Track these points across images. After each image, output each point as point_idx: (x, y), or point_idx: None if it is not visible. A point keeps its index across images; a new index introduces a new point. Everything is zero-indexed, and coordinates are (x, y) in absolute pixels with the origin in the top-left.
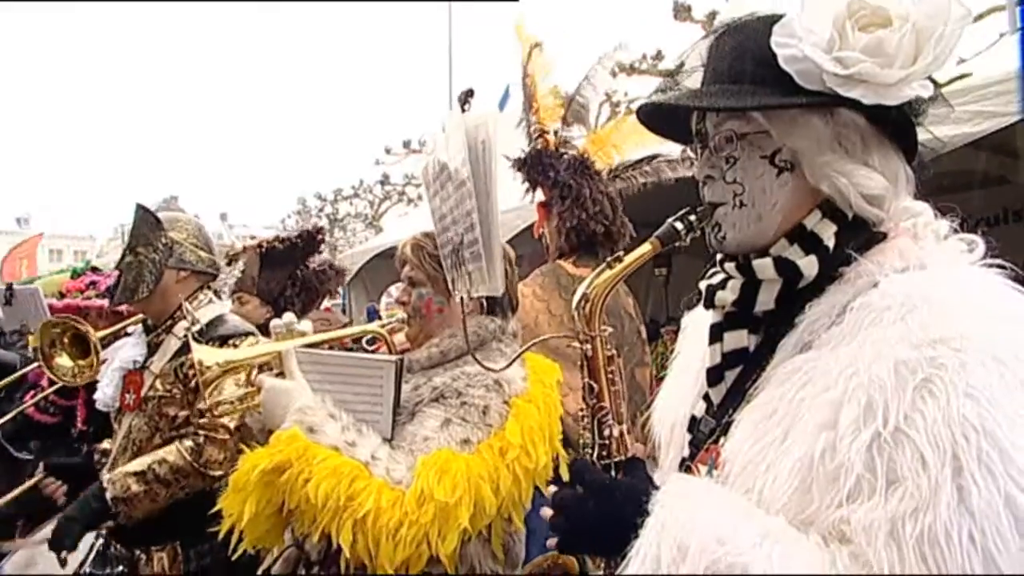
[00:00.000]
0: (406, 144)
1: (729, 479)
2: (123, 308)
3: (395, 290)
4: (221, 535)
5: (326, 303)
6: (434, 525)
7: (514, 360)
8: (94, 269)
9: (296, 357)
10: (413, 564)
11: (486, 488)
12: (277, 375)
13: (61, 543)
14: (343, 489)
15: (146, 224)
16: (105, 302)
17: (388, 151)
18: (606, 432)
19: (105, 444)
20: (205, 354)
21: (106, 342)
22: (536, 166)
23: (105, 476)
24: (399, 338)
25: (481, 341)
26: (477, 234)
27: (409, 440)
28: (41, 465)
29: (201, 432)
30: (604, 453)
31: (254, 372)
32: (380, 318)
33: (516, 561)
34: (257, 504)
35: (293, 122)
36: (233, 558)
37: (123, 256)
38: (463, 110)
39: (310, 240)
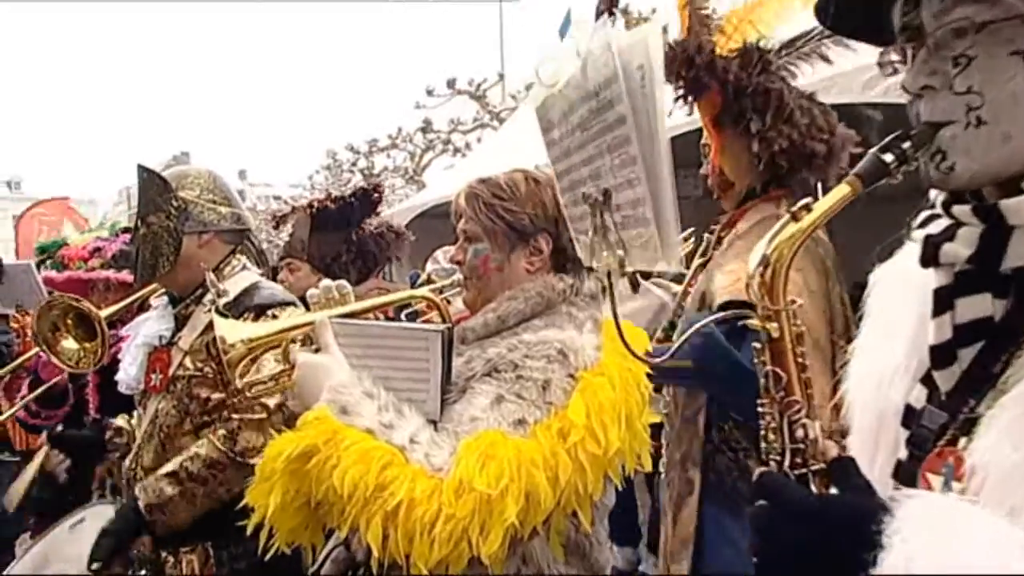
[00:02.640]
0: (451, 84)
1: (981, 495)
2: (130, 279)
3: (442, 255)
4: (249, 531)
5: None
6: (475, 520)
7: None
8: (126, 230)
9: (333, 329)
10: (453, 564)
11: (540, 477)
12: (316, 350)
13: (98, 558)
14: (372, 477)
15: (152, 187)
16: (112, 273)
17: (430, 92)
18: (799, 433)
19: (119, 420)
20: (228, 330)
21: (116, 319)
22: (709, 68)
23: (139, 486)
24: (458, 305)
25: (547, 304)
26: (642, 191)
27: (455, 421)
28: (45, 435)
29: (234, 416)
30: (798, 460)
31: (292, 348)
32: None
33: (596, 568)
34: (284, 495)
35: (319, 64)
36: (266, 557)
37: (135, 229)
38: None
39: (367, 199)
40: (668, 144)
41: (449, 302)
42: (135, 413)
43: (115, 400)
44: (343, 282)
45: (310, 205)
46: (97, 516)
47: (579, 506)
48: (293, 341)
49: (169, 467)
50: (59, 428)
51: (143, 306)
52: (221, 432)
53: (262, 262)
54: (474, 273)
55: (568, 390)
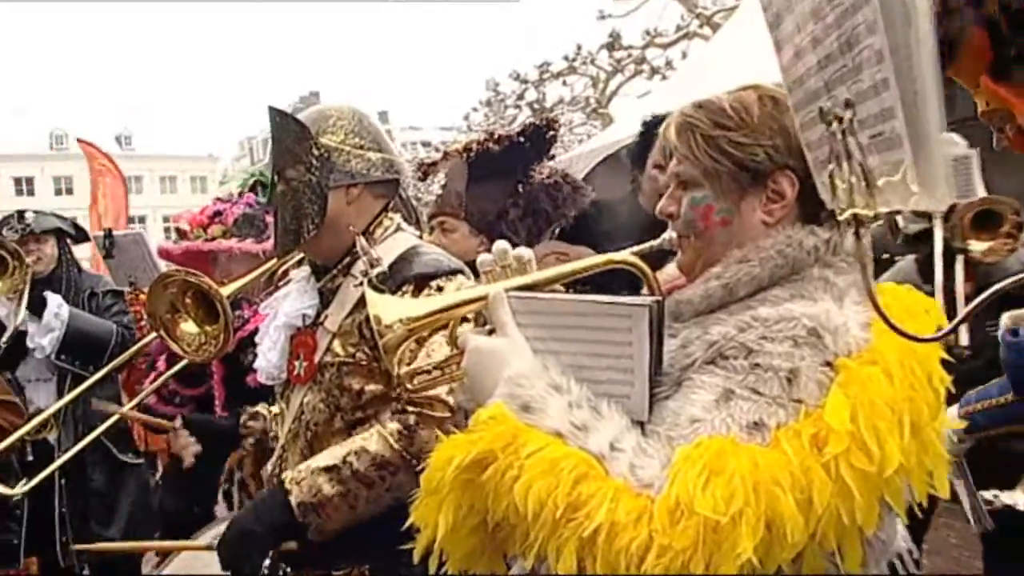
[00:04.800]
0: None
1: None
2: (256, 248)
3: None
4: (417, 556)
5: None
6: (697, 553)
7: None
8: (261, 186)
9: (510, 305)
10: None
11: (786, 500)
12: (490, 332)
13: (240, 564)
14: (563, 493)
15: (288, 134)
16: (236, 242)
17: None
18: None
19: (260, 407)
20: (384, 307)
21: (241, 297)
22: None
23: (288, 475)
24: (669, 271)
25: (792, 266)
26: (891, 99)
27: (669, 422)
28: (179, 419)
29: (411, 409)
30: None
31: (462, 329)
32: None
33: None
34: (455, 512)
35: None
36: None
37: (271, 187)
38: None
39: (538, 139)
40: (932, 31)
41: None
42: (277, 407)
43: (244, 394)
44: (523, 249)
45: (466, 149)
46: None
47: (843, 542)
48: (463, 320)
49: (329, 460)
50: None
51: (270, 280)
52: (395, 427)
53: (411, 221)
54: (691, 228)
55: (824, 383)
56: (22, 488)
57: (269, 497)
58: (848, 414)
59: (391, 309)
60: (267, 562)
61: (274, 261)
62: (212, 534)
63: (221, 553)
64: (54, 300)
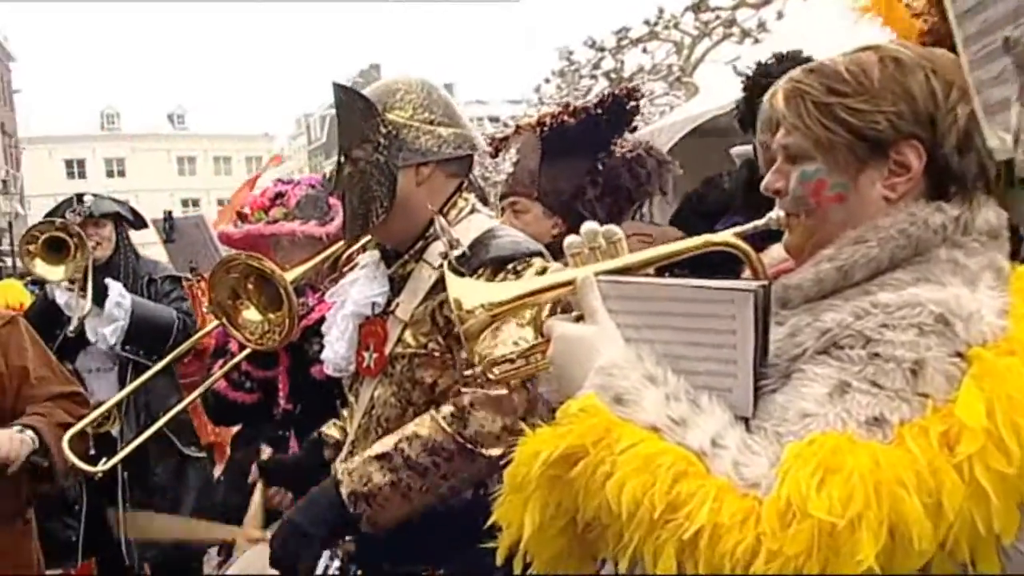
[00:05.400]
0: None
1: None
2: (320, 231)
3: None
4: (500, 558)
5: None
6: (812, 559)
7: None
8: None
9: (601, 290)
10: None
11: (911, 503)
12: (578, 318)
13: (291, 565)
14: (660, 492)
15: (354, 111)
16: (299, 224)
17: None
18: None
19: (330, 430)
20: (466, 292)
21: (304, 283)
22: None
23: (339, 466)
24: (774, 253)
25: (917, 247)
26: None
27: (777, 417)
28: (255, 469)
29: (465, 390)
30: None
31: (544, 314)
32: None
33: None
34: (542, 511)
35: None
36: None
37: (337, 170)
38: None
39: (617, 110)
40: None
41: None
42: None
43: (309, 386)
44: (613, 226)
45: (539, 124)
46: None
47: (976, 551)
48: (554, 308)
49: (380, 447)
50: (247, 430)
51: (335, 266)
52: (448, 410)
53: (482, 202)
54: (801, 206)
55: (954, 376)
56: (103, 466)
57: (321, 491)
58: (983, 409)
59: (473, 293)
60: (336, 563)
61: (339, 245)
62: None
63: (272, 550)
64: (116, 288)
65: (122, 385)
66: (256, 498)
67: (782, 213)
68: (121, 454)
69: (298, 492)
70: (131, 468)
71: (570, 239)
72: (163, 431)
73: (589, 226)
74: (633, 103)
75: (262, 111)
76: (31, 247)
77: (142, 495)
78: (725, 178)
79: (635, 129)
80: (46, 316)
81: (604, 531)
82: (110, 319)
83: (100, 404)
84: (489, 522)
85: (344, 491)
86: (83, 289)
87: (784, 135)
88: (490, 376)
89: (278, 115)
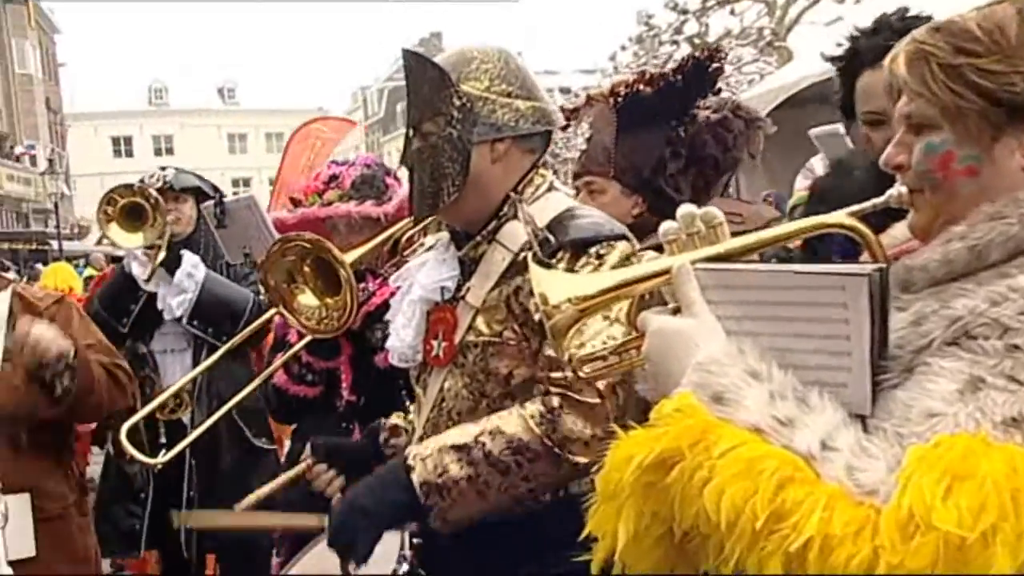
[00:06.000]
0: None
1: None
2: (377, 211)
3: (820, 164)
4: (594, 569)
5: None
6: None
7: None
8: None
9: (698, 279)
10: None
11: None
12: (674, 310)
13: (348, 545)
14: (764, 500)
15: (425, 81)
16: (354, 206)
17: None
18: None
19: (394, 419)
20: (551, 284)
21: (364, 267)
22: None
23: (411, 450)
24: (895, 233)
25: None
26: None
27: (899, 416)
28: (308, 446)
29: (554, 391)
30: None
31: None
32: (792, 214)
33: None
34: (637, 520)
35: None
36: None
37: (405, 145)
38: None
39: (699, 74)
40: None
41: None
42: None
43: (373, 377)
44: (712, 209)
45: (612, 93)
46: None
47: None
48: (644, 299)
49: (459, 438)
50: (308, 422)
51: (394, 249)
52: (537, 408)
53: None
54: (926, 181)
55: None
56: (162, 457)
57: (388, 473)
58: None
59: (559, 286)
60: (405, 567)
61: (398, 226)
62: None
63: (329, 529)
64: (189, 260)
65: (195, 367)
66: (289, 474)
67: (904, 189)
68: (179, 447)
69: (347, 476)
70: (200, 458)
71: (666, 225)
72: (234, 421)
73: (686, 209)
74: (715, 64)
75: (316, 84)
76: (109, 210)
77: (209, 485)
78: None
79: (719, 92)
80: (121, 290)
81: (704, 541)
82: (179, 290)
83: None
84: (584, 533)
85: (416, 479)
86: (161, 258)
87: (906, 103)
88: (580, 374)
89: (333, 88)
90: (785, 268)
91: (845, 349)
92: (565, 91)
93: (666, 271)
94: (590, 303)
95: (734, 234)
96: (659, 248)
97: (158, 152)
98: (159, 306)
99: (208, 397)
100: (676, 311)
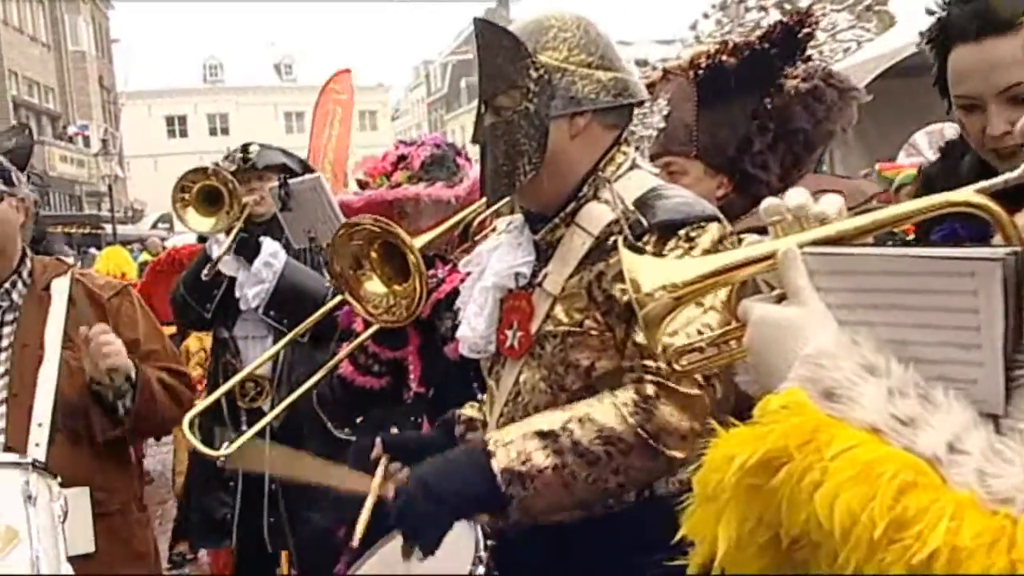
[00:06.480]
0: None
1: None
2: (448, 193)
3: (924, 139)
4: None
5: None
6: None
7: None
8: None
9: (806, 264)
10: None
11: None
12: (779, 298)
13: (415, 532)
14: (883, 507)
15: (499, 52)
16: (423, 187)
17: None
18: None
19: (468, 410)
20: (643, 270)
21: (433, 252)
22: None
23: (492, 435)
24: None
25: None
26: None
27: None
28: (378, 443)
29: (648, 379)
30: None
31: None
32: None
33: None
34: (739, 525)
35: None
36: None
37: (477, 121)
38: None
39: (787, 40)
40: None
41: None
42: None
43: (443, 368)
44: (834, 198)
45: (692, 66)
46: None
47: None
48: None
49: (546, 424)
50: (375, 414)
51: (465, 234)
52: (630, 396)
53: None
54: None
55: None
56: (226, 450)
57: (465, 456)
58: None
59: (652, 273)
60: (481, 570)
61: (470, 209)
62: None
63: (395, 512)
64: (269, 247)
65: (275, 355)
66: (375, 479)
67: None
68: (241, 439)
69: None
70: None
71: (768, 202)
72: (315, 413)
73: (795, 191)
74: (805, 30)
75: (376, 59)
76: (185, 196)
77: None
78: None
79: (808, 59)
80: (207, 274)
81: (815, 550)
82: (256, 280)
83: (252, 378)
84: (678, 536)
85: (496, 465)
86: (233, 242)
87: None
88: (676, 368)
89: (394, 63)
90: (906, 251)
91: (975, 341)
92: (641, 63)
93: (770, 255)
94: (687, 290)
95: (851, 211)
96: (750, 231)
97: (213, 132)
98: (236, 294)
99: (288, 386)
100: (780, 299)
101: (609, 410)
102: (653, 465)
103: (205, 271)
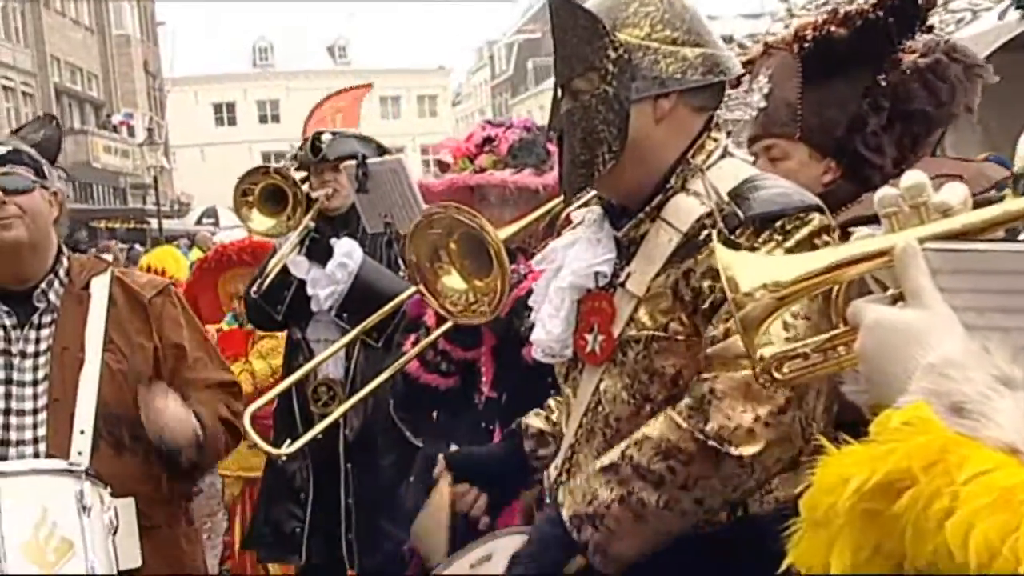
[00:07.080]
0: None
1: None
2: (536, 182)
3: None
4: None
5: None
6: None
7: None
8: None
9: (929, 261)
10: None
11: None
12: (895, 299)
13: None
14: None
15: (575, 31)
16: (510, 174)
17: None
18: None
19: (534, 419)
20: (742, 268)
21: (517, 246)
22: None
23: (562, 489)
24: None
25: None
26: None
27: None
28: (440, 461)
29: (705, 376)
30: None
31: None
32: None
33: None
34: (855, 554)
35: None
36: None
37: (553, 107)
38: None
39: (905, 10)
40: None
41: None
42: (563, 395)
43: (519, 372)
44: (957, 186)
45: (797, 38)
46: (509, 552)
47: None
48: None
49: (607, 458)
50: (443, 417)
51: (551, 227)
52: (685, 402)
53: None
54: None
55: None
56: (287, 448)
57: (547, 522)
58: None
59: (752, 271)
60: None
61: (557, 201)
62: (483, 551)
63: None
64: (343, 247)
65: (348, 359)
66: (440, 499)
67: None
68: (306, 437)
69: (491, 493)
70: (356, 460)
71: (883, 192)
72: (392, 422)
73: (913, 178)
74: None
75: (436, 40)
76: (248, 199)
77: (368, 487)
78: None
79: (931, 29)
80: (277, 275)
81: None
82: (330, 281)
83: (326, 382)
84: (784, 566)
85: (565, 514)
86: (300, 241)
87: None
88: (776, 376)
89: (455, 44)
90: None
91: None
92: (726, 39)
93: (886, 251)
94: (791, 290)
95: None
96: (856, 222)
97: (263, 119)
98: (308, 294)
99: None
100: (895, 300)
101: (663, 422)
102: (723, 469)
103: (267, 270)
